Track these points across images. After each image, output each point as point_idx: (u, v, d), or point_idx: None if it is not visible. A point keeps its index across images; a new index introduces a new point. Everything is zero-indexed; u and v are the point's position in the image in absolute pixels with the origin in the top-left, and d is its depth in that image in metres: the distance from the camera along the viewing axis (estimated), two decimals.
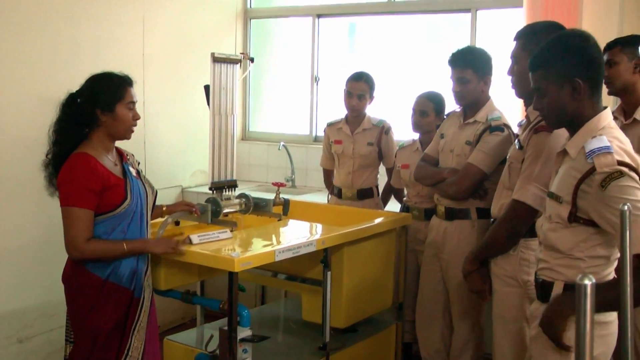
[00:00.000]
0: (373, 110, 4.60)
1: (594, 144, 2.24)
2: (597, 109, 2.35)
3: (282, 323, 4.16)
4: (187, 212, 3.47)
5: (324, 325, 3.47)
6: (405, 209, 4.28)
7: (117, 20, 4.86)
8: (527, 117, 2.99)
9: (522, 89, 2.95)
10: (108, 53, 4.69)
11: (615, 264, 2.35)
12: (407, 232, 4.08)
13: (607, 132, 2.30)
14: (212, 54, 3.63)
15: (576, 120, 2.36)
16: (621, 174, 2.16)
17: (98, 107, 2.94)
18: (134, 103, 3.04)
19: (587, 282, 1.06)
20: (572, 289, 2.29)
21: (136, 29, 5.03)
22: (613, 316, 2.34)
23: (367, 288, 3.74)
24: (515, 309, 2.88)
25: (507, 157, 3.06)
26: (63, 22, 4.47)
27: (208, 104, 3.68)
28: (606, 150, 2.20)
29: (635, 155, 2.26)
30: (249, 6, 6.12)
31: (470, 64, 3.61)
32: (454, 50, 3.69)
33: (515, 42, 2.98)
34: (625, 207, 1.14)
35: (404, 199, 4.36)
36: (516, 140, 3.00)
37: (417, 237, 4.11)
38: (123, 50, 4.89)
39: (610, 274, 2.34)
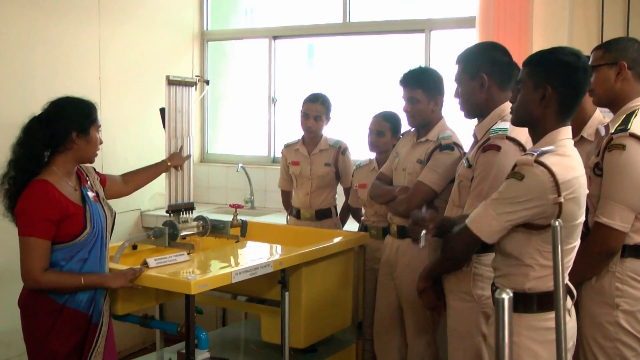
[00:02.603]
0: (331, 130, 4.64)
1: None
2: (561, 123, 2.41)
3: (243, 345, 4.15)
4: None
5: (283, 346, 3.47)
6: (363, 228, 4.30)
7: (73, 43, 4.85)
8: (474, 135, 3.05)
9: (468, 110, 3.03)
10: (64, 76, 4.69)
11: (566, 272, 2.44)
12: (365, 251, 4.11)
13: (560, 145, 2.37)
14: (167, 77, 3.63)
15: (538, 126, 2.44)
16: (522, 176, 2.30)
17: (74, 129, 2.94)
18: (100, 127, 3.06)
19: (504, 295, 1.09)
20: (519, 296, 2.40)
21: (92, 52, 5.02)
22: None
23: (326, 308, 3.76)
24: (470, 324, 2.91)
25: (456, 175, 3.11)
26: (18, 45, 4.45)
27: (164, 126, 3.68)
28: (529, 154, 2.34)
29: (573, 178, 2.33)
30: (205, 28, 6.14)
31: (420, 84, 3.67)
32: (405, 71, 3.75)
33: (457, 66, 3.06)
34: (557, 223, 1.18)
35: (362, 218, 4.39)
36: (464, 159, 3.05)
37: (376, 256, 4.12)
38: (79, 73, 4.88)
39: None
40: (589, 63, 2.91)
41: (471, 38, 4.74)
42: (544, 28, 4.63)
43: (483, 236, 2.43)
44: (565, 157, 2.35)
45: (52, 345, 2.92)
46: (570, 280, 2.64)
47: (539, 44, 4.48)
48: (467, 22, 4.96)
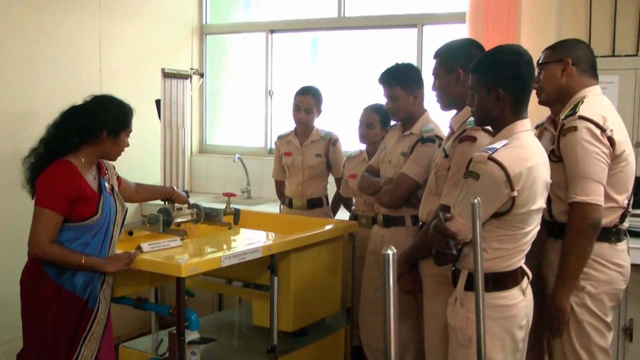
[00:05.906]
0: (325, 122, 4.76)
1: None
2: (518, 117, 2.62)
3: (236, 328, 4.28)
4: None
5: (272, 329, 3.60)
6: (354, 217, 4.43)
7: (74, 36, 4.97)
8: (450, 127, 3.18)
9: (445, 102, 3.17)
10: (65, 69, 4.81)
11: (520, 255, 2.62)
12: (355, 240, 4.23)
13: (514, 138, 2.57)
14: (162, 70, 3.75)
15: (498, 124, 2.66)
16: (478, 176, 2.49)
17: (106, 128, 3.11)
18: (131, 131, 3.24)
19: (389, 252, 1.21)
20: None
21: (93, 45, 5.13)
22: (515, 299, 2.60)
23: (315, 293, 3.88)
24: (445, 306, 3.02)
25: (433, 164, 3.24)
26: (20, 38, 4.57)
27: (159, 117, 3.80)
28: (483, 151, 2.52)
29: (525, 169, 2.49)
30: (204, 22, 6.24)
31: (397, 81, 3.76)
32: (383, 69, 3.85)
33: (435, 60, 3.19)
34: (475, 201, 1.30)
35: (353, 207, 4.52)
36: (441, 149, 3.18)
37: (365, 245, 4.20)
38: (80, 66, 5.00)
39: (514, 264, 2.59)
40: (539, 62, 3.10)
41: (462, 33, 4.85)
42: (532, 23, 4.75)
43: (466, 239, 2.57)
44: (518, 149, 2.53)
45: (46, 325, 3.06)
46: (569, 274, 2.84)
47: (527, 39, 4.59)
48: (458, 18, 5.07)
